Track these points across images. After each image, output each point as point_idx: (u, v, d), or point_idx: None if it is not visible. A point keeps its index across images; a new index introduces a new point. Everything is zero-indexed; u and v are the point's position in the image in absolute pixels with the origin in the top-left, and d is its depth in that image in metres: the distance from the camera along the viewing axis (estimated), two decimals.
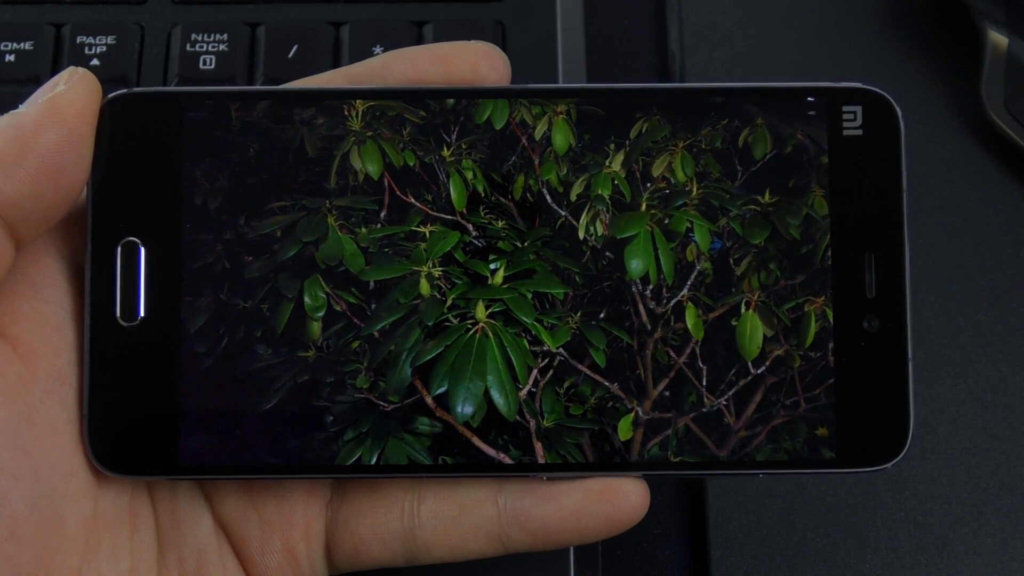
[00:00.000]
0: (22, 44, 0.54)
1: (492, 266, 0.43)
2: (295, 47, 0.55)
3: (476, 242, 0.44)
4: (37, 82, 0.53)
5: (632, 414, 0.43)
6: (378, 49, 0.55)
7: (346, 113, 0.44)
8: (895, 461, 0.43)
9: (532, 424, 0.43)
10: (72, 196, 0.41)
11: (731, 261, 0.43)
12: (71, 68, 0.42)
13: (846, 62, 0.58)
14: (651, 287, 0.43)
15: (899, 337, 0.43)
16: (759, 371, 0.43)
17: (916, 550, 0.50)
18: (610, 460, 0.43)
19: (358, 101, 0.44)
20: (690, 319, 0.43)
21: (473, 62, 0.44)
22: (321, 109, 0.44)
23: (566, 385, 0.43)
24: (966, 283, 0.55)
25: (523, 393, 0.43)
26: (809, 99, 0.44)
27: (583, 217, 0.44)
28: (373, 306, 0.43)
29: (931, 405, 0.53)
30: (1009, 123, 0.56)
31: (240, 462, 0.43)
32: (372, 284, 0.43)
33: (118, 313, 0.42)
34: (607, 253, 0.44)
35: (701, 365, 0.43)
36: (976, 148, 0.57)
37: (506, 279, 0.43)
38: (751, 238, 0.43)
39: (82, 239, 0.43)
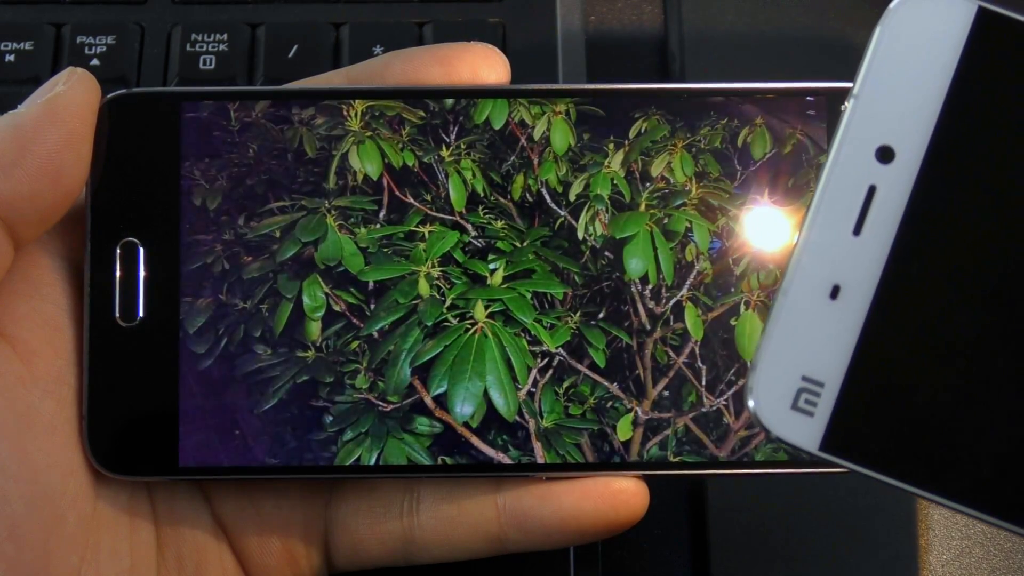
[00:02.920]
0: (22, 44, 0.54)
1: (491, 266, 0.43)
2: (295, 47, 0.55)
3: (475, 242, 0.44)
4: (37, 82, 0.53)
5: (631, 414, 0.43)
6: (378, 49, 0.55)
7: (345, 113, 0.44)
8: None
9: (531, 424, 0.43)
10: (71, 196, 0.41)
11: (730, 261, 0.43)
12: (70, 68, 0.42)
13: (846, 62, 0.58)
14: (650, 287, 0.43)
15: None
16: None
17: (916, 550, 0.50)
18: (609, 460, 0.43)
19: (357, 101, 0.44)
20: (689, 319, 0.43)
21: (473, 63, 0.44)
22: (320, 109, 0.44)
23: (565, 385, 0.43)
24: None
25: (522, 393, 0.43)
26: (808, 98, 0.44)
27: (582, 217, 0.44)
28: (372, 306, 0.43)
29: None
30: None
31: (239, 463, 0.43)
32: (371, 284, 0.43)
33: (117, 313, 0.42)
34: (606, 253, 0.44)
35: (700, 365, 0.43)
36: None
37: (505, 279, 0.43)
38: (750, 237, 0.43)
39: (81, 239, 0.43)
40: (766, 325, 0.33)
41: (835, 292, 0.33)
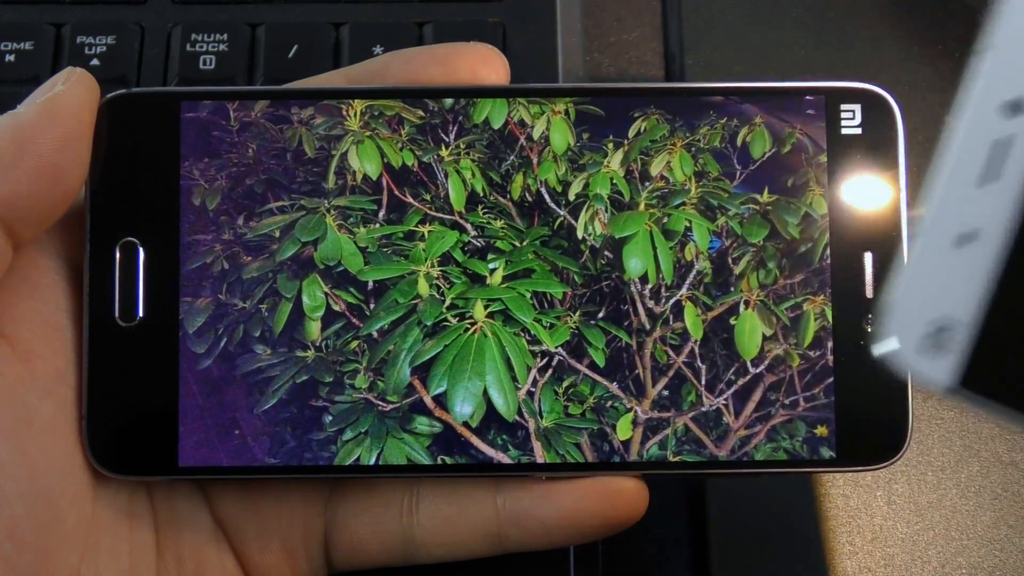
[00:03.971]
0: (22, 44, 0.54)
1: (491, 265, 0.43)
2: (295, 47, 0.55)
3: (475, 241, 0.44)
4: (37, 82, 0.52)
5: (631, 413, 0.43)
6: (378, 49, 0.55)
7: (344, 113, 0.44)
8: (895, 460, 0.43)
9: (531, 424, 0.43)
10: (70, 196, 0.41)
11: (730, 260, 0.43)
12: (69, 68, 0.42)
13: (845, 61, 0.58)
14: (650, 286, 0.43)
15: None
16: (758, 370, 0.43)
17: (916, 549, 0.50)
18: (609, 460, 0.43)
19: (357, 101, 0.44)
20: (689, 318, 0.43)
21: (472, 64, 0.44)
22: (320, 109, 0.44)
23: (565, 384, 0.43)
24: None
25: (522, 393, 0.43)
26: (808, 98, 0.44)
27: (582, 216, 0.44)
28: (371, 306, 0.43)
29: (931, 403, 0.52)
30: None
31: (239, 463, 0.43)
32: (371, 284, 0.43)
33: (117, 313, 0.42)
34: (606, 252, 0.44)
35: (700, 364, 0.43)
36: None
37: (505, 278, 0.43)
38: (750, 237, 0.43)
39: (81, 239, 0.43)
40: (901, 270, 0.33)
41: (967, 239, 0.33)
